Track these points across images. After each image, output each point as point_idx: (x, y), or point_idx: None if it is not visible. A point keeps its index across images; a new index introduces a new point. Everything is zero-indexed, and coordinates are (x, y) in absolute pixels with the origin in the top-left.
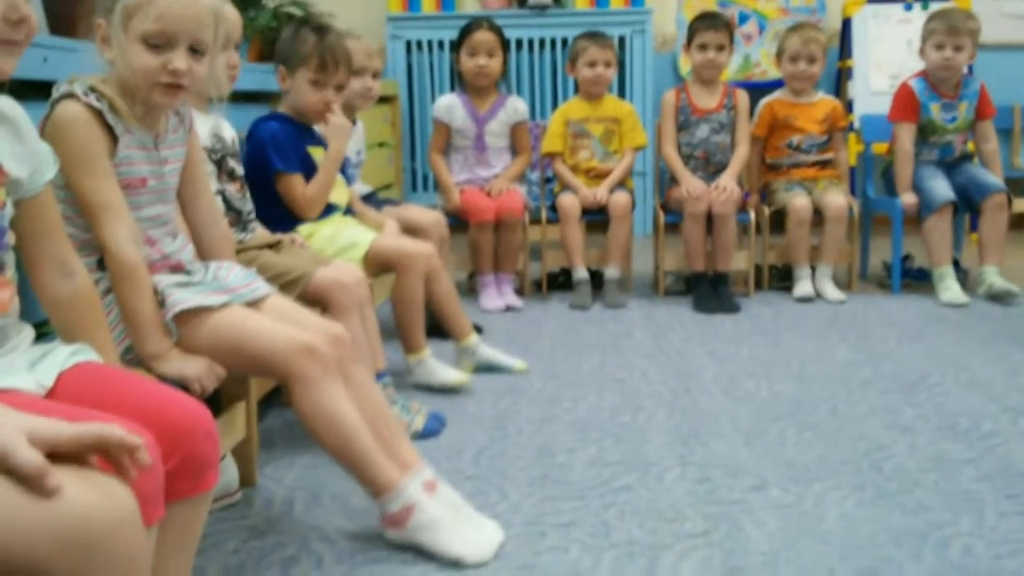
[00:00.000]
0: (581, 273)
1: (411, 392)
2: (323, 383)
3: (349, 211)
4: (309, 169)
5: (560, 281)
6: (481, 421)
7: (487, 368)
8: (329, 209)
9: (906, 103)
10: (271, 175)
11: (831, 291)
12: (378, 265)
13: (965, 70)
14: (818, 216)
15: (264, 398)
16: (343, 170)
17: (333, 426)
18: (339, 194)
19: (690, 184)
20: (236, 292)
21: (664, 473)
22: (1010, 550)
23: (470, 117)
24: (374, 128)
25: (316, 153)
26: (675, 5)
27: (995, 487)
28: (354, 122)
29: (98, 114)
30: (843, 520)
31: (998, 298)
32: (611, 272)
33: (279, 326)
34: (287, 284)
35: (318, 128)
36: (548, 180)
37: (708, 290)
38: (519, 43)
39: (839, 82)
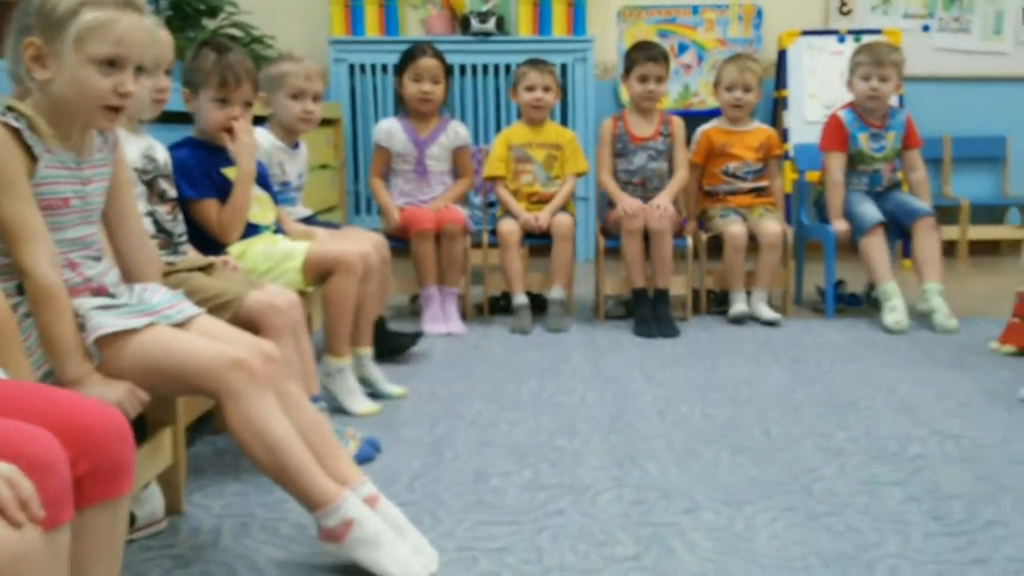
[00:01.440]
0: (520, 299)
1: (347, 418)
2: (254, 397)
3: (278, 230)
4: (226, 191)
5: (502, 305)
6: (417, 446)
7: (367, 387)
8: (254, 229)
9: (835, 133)
10: (186, 203)
11: (766, 315)
12: (317, 271)
13: (894, 101)
14: (754, 242)
15: (194, 424)
16: (268, 188)
17: (265, 440)
18: (264, 214)
19: (626, 202)
20: (161, 313)
21: (598, 496)
22: (935, 571)
23: (410, 141)
24: (317, 150)
25: (231, 174)
26: (616, 34)
27: (922, 509)
28: (296, 145)
29: (15, 133)
30: (773, 542)
31: (930, 318)
32: (555, 292)
33: (208, 342)
34: (218, 307)
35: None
36: (491, 204)
37: (648, 312)
38: (463, 69)
39: (775, 112)
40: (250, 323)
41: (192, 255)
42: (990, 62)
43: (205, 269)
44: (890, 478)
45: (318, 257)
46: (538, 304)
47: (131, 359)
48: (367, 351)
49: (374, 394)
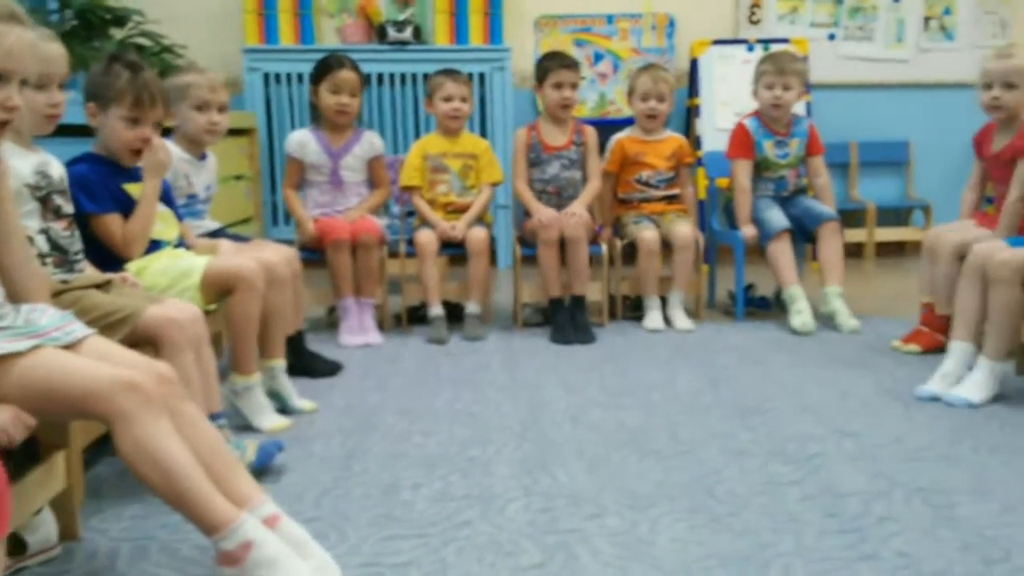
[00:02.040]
0: (437, 310)
1: (252, 435)
2: (146, 419)
3: (181, 244)
4: (128, 207)
5: (421, 315)
6: (328, 460)
7: (277, 402)
8: (156, 245)
9: (741, 141)
10: (85, 218)
11: (681, 320)
12: (217, 288)
13: (801, 110)
14: (668, 248)
15: (93, 444)
16: (171, 204)
17: (158, 464)
18: (166, 229)
19: (541, 212)
20: (48, 335)
21: (507, 505)
22: (827, 568)
23: (324, 152)
24: (231, 161)
25: (133, 190)
26: (533, 43)
27: (817, 507)
28: (203, 156)
29: None
30: (674, 544)
31: (833, 321)
32: (471, 307)
33: (97, 364)
34: (116, 323)
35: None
36: (410, 214)
37: (565, 319)
38: (379, 78)
39: (688, 119)
40: (149, 339)
41: (89, 272)
42: (893, 69)
43: (102, 286)
44: (789, 478)
45: (216, 274)
46: (457, 313)
47: (16, 383)
48: (279, 363)
49: (285, 409)
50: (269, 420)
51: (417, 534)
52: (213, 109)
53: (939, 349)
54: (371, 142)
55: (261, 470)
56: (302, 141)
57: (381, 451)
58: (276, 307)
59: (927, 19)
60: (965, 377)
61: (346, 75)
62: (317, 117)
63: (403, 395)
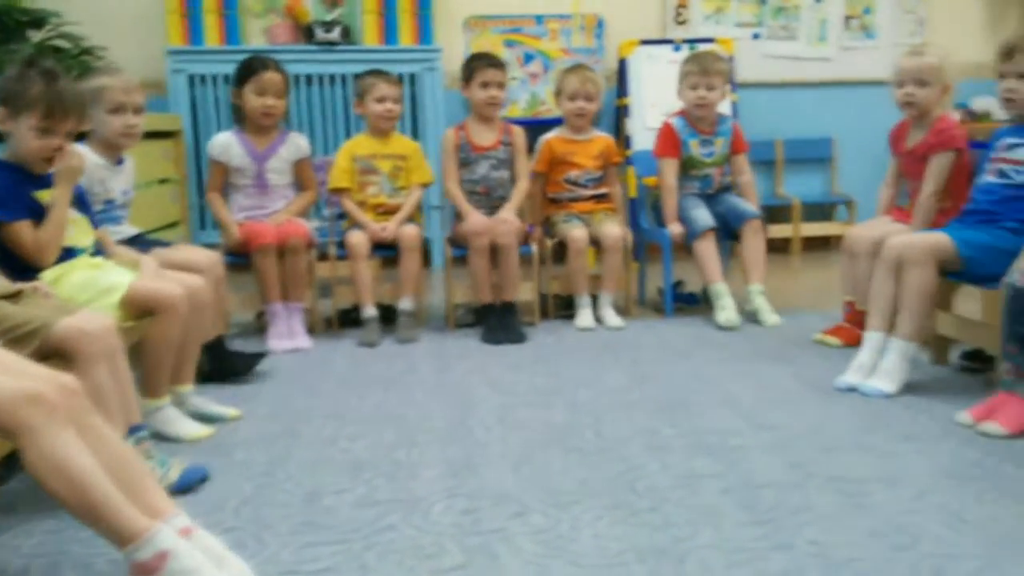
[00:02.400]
0: (370, 311)
1: (174, 446)
2: (50, 431)
3: (99, 252)
4: (39, 215)
5: (354, 318)
6: (250, 468)
7: (200, 418)
8: (70, 253)
9: (668, 140)
10: None
11: (611, 318)
12: (138, 310)
13: (728, 108)
14: (599, 245)
15: (5, 460)
16: (86, 209)
17: (65, 476)
18: (81, 236)
19: (471, 219)
20: None
21: (431, 508)
22: (743, 559)
23: (249, 155)
24: (155, 164)
25: (45, 197)
26: (463, 44)
27: (735, 499)
28: (120, 160)
29: None
30: (595, 540)
31: (757, 319)
32: (404, 304)
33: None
34: (25, 336)
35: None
36: (341, 216)
37: (497, 321)
38: (308, 79)
39: (618, 119)
40: (61, 352)
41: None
42: (816, 68)
43: (13, 296)
44: (709, 471)
45: (139, 296)
46: (390, 315)
47: None
48: (189, 388)
49: (206, 419)
50: (189, 428)
51: (338, 540)
52: (129, 112)
53: (859, 344)
54: (297, 144)
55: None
56: (225, 144)
57: (305, 457)
58: (194, 332)
59: (848, 18)
60: (879, 364)
61: (271, 76)
62: (241, 119)
63: (331, 399)
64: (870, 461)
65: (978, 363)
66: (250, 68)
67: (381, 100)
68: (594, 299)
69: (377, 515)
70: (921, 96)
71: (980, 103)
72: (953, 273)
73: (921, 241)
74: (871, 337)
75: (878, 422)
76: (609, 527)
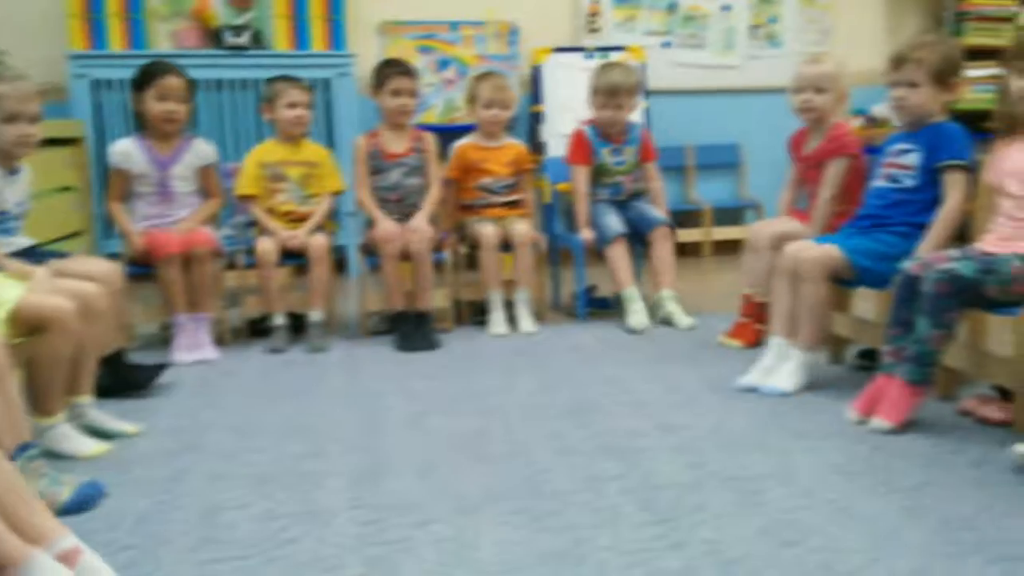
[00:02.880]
0: (279, 319)
1: (69, 463)
2: None
3: None
4: None
5: (264, 327)
6: (149, 484)
7: (95, 433)
8: None
9: (580, 147)
10: None
11: (525, 323)
12: (27, 325)
13: (638, 116)
14: (511, 251)
15: None
16: None
17: None
18: None
19: (382, 226)
20: None
21: (334, 519)
22: (640, 559)
23: (151, 162)
24: (55, 173)
25: None
26: (377, 50)
27: (636, 500)
28: (15, 170)
29: None
30: (498, 547)
31: (669, 323)
32: (314, 315)
33: None
34: None
35: None
36: (251, 224)
37: (410, 328)
38: (218, 84)
39: (532, 126)
40: None
41: None
42: (724, 75)
43: None
44: (612, 473)
45: (28, 312)
46: (301, 324)
47: None
48: (87, 399)
49: (103, 435)
50: (84, 445)
51: (237, 556)
52: (24, 121)
53: (760, 342)
54: (202, 150)
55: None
56: (126, 151)
57: (206, 472)
58: (89, 342)
59: (755, 27)
60: (780, 367)
61: (172, 81)
62: (142, 125)
63: (236, 411)
64: (765, 459)
65: (872, 362)
66: (150, 73)
67: (292, 106)
68: (508, 305)
69: (278, 529)
70: (819, 103)
71: (880, 110)
72: (847, 281)
73: (814, 255)
74: (774, 342)
75: (775, 421)
76: (512, 532)
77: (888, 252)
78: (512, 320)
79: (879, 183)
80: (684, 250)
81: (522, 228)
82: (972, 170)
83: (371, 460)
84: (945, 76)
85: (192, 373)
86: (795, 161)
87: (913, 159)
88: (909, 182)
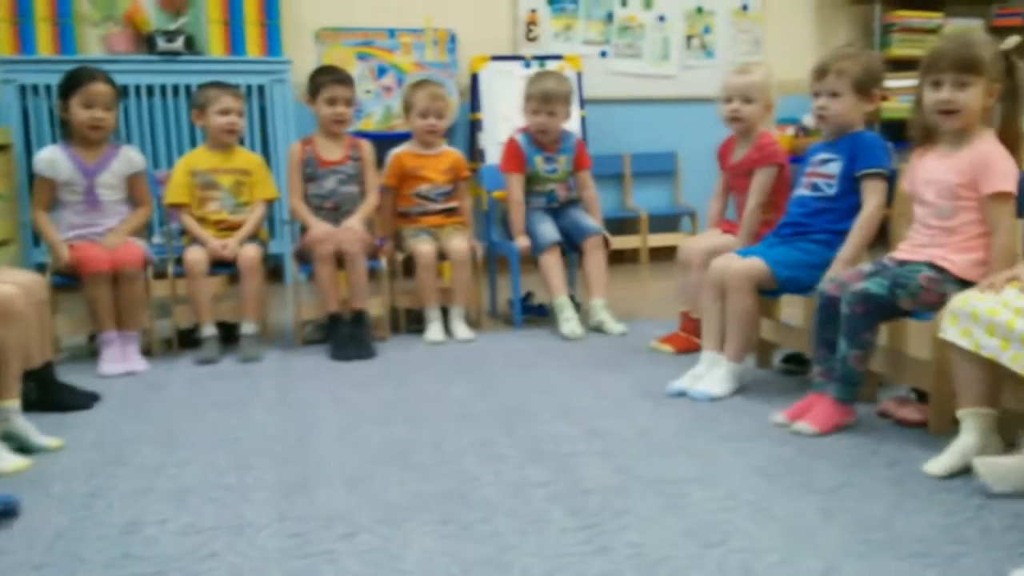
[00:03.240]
0: (209, 330)
1: None
2: None
3: None
4: None
5: (194, 338)
6: (67, 500)
7: (17, 445)
8: None
9: (513, 155)
10: None
11: (461, 331)
12: None
13: (574, 125)
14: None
15: None
16: None
17: None
18: None
19: (315, 227)
20: None
21: (258, 533)
22: (564, 564)
23: (78, 170)
24: None
25: None
26: (314, 56)
27: (562, 505)
28: None
29: None
30: (423, 556)
31: (601, 331)
32: (246, 328)
33: None
34: None
35: None
36: (184, 232)
37: (346, 335)
38: (150, 90)
39: (472, 133)
40: None
41: None
42: (660, 85)
43: None
44: (540, 479)
45: None
46: (234, 334)
47: None
48: (13, 403)
49: (25, 449)
50: (4, 462)
51: (156, 571)
52: None
53: (693, 350)
54: (130, 158)
55: None
56: (51, 159)
57: (129, 487)
58: (10, 344)
59: (689, 38)
60: (710, 373)
61: (99, 88)
62: (68, 133)
63: (162, 424)
64: (691, 463)
65: (797, 366)
66: (76, 79)
67: (224, 113)
68: (445, 312)
69: (199, 543)
70: (747, 112)
71: (810, 119)
72: (772, 291)
73: (739, 268)
74: (705, 356)
75: (702, 424)
76: (438, 541)
77: (809, 260)
78: (449, 328)
79: (802, 192)
80: (621, 257)
81: (459, 246)
82: (890, 178)
83: (299, 472)
84: (866, 87)
85: (119, 386)
86: (723, 169)
87: (834, 168)
88: (830, 191)
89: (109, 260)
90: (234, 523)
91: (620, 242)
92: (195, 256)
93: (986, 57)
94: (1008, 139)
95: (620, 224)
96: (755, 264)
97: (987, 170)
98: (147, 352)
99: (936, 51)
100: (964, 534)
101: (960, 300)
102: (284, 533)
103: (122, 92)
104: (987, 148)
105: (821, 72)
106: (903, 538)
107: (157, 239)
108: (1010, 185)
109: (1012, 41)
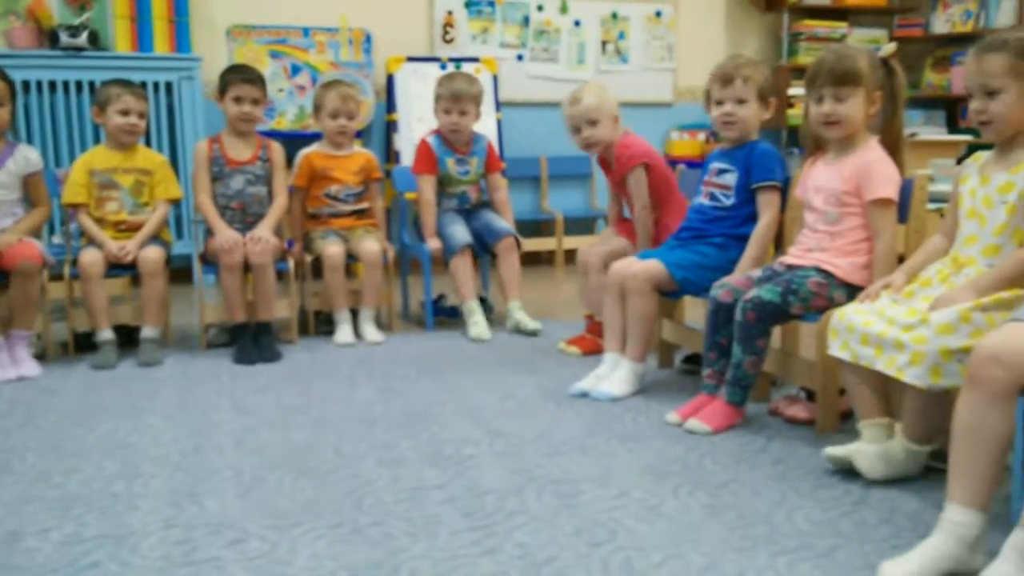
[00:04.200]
0: (105, 334)
1: None
2: None
3: None
4: None
5: (92, 342)
6: None
7: None
8: None
9: (425, 157)
10: None
11: (371, 333)
12: None
13: (491, 126)
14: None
15: None
16: None
17: None
18: None
19: (223, 235)
20: None
21: (142, 541)
22: (452, 566)
23: None
24: None
25: None
26: (226, 54)
27: (456, 508)
28: None
29: None
30: (311, 561)
31: (522, 332)
32: (146, 332)
33: None
34: None
35: None
36: (84, 233)
37: (250, 340)
38: (52, 85)
39: (387, 134)
40: None
41: None
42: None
43: None
44: (436, 481)
45: None
46: (135, 337)
47: None
48: None
49: None
50: None
51: None
52: None
53: (599, 352)
54: (26, 157)
55: None
56: None
57: (11, 496)
58: None
59: (604, 43)
60: (612, 375)
61: None
62: None
63: (52, 431)
64: (587, 462)
65: (698, 366)
66: None
67: (124, 113)
68: (355, 313)
69: (81, 553)
70: (598, 135)
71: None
72: (671, 293)
73: (638, 270)
74: (607, 358)
75: (601, 424)
76: (328, 546)
77: (706, 263)
78: (359, 330)
79: (700, 200)
80: (537, 259)
81: (371, 248)
82: (784, 189)
83: (190, 479)
84: (766, 94)
85: (9, 391)
86: (607, 176)
87: (730, 179)
88: (727, 201)
89: (3, 258)
90: (118, 532)
91: (536, 244)
92: (90, 258)
93: (863, 67)
94: (890, 141)
95: (536, 226)
96: (654, 266)
97: (870, 177)
98: (41, 356)
99: (815, 66)
100: (840, 528)
101: (838, 315)
102: (169, 541)
103: (23, 88)
104: (871, 156)
105: (727, 79)
106: (782, 533)
107: (56, 239)
108: (891, 192)
109: (889, 48)
